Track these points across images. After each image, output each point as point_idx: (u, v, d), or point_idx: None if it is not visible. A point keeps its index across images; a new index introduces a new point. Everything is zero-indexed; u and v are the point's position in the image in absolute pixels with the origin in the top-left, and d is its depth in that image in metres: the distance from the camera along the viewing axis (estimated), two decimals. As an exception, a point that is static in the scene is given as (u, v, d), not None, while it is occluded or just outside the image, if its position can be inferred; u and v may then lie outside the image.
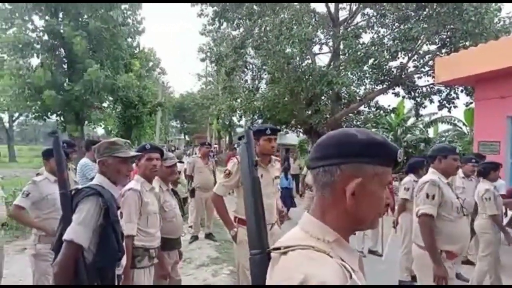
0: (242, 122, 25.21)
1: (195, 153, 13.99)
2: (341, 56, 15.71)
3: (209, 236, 7.65)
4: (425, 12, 13.40)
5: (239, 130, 32.65)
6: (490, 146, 9.16)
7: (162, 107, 23.78)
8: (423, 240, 2.97)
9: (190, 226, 7.69)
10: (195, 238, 7.46)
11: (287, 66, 14.50)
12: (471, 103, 14.29)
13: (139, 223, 2.99)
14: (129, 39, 20.39)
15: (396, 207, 6.04)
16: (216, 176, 7.81)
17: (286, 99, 15.84)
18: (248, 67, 18.27)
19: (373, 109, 16.71)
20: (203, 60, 20.69)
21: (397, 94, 16.13)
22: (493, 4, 12.83)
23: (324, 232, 0.95)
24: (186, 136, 54.40)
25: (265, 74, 17.30)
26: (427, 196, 2.98)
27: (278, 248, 0.94)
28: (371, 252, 6.79)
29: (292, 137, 22.88)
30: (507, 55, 7.98)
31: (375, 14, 14.72)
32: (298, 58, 15.01)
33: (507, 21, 13.00)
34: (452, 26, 13.18)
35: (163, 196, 3.49)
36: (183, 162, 9.98)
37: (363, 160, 0.95)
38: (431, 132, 17.98)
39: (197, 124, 46.86)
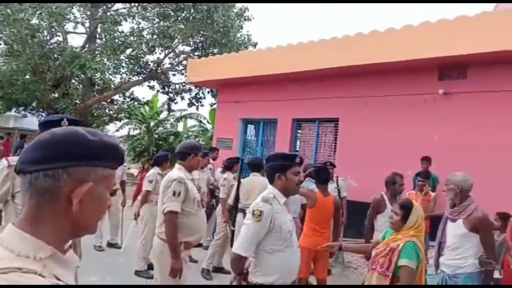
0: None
1: None
2: (97, 40, 14.84)
3: None
4: (183, 14, 14.38)
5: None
6: (225, 142, 10.80)
7: None
8: (166, 235, 3.09)
9: None
10: None
11: (31, 39, 12.50)
12: (215, 104, 16.38)
13: None
14: None
15: (139, 198, 6.19)
16: None
17: (27, 77, 13.61)
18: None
19: (128, 99, 16.66)
20: None
21: (152, 88, 16.69)
22: (238, 21, 15.12)
23: (36, 248, 0.80)
24: None
25: (1, 44, 14.30)
26: (174, 193, 3.12)
27: None
28: (110, 245, 6.68)
29: (31, 121, 19.76)
30: (244, 66, 9.62)
31: (136, 5, 14.66)
32: (46, 33, 13.19)
33: (246, 38, 15.62)
34: (205, 33, 14.69)
35: None
36: None
37: (96, 163, 0.87)
38: (180, 127, 19.46)
39: None
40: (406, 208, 2.64)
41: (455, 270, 3.30)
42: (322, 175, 4.44)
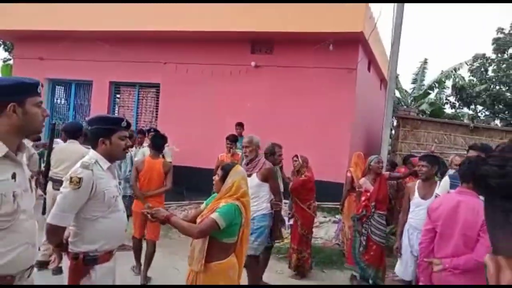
0: None
1: None
2: None
3: None
4: None
5: None
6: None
7: None
8: None
9: None
10: None
11: None
12: (9, 60, 13.72)
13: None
14: None
15: None
16: None
17: None
18: None
19: None
20: None
21: None
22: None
23: None
24: None
25: None
26: None
27: None
28: None
29: None
30: (51, 17, 8.31)
31: None
32: None
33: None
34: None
35: None
36: None
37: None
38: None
39: None
40: (225, 170, 2.70)
41: (253, 214, 3.71)
42: (158, 142, 4.59)
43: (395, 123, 9.87)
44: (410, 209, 3.93)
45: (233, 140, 6.29)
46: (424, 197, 3.83)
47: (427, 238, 2.92)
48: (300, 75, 7.66)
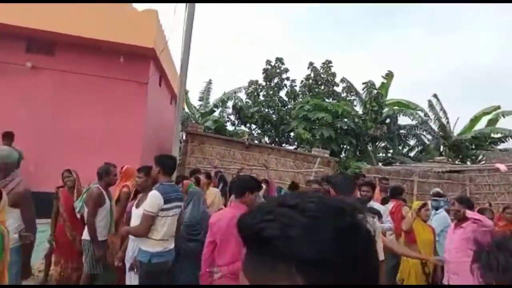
0: None
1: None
2: None
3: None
4: None
5: None
6: None
7: None
8: None
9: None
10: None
11: None
12: None
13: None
14: None
15: None
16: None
17: None
18: None
19: None
20: None
21: None
22: None
23: None
24: None
25: None
26: None
27: None
28: None
29: None
30: None
31: None
32: None
33: None
34: None
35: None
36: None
37: None
38: None
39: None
40: None
41: None
42: None
43: (184, 138, 10.41)
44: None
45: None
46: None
47: (209, 250, 3.21)
48: (85, 82, 7.11)
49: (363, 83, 17.73)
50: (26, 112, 6.82)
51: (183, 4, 5.73)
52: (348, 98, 19.37)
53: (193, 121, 15.39)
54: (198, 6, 5.83)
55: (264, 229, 0.57)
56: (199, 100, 20.05)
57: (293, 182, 7.01)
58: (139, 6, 7.21)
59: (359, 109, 18.33)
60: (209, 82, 20.23)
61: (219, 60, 46.77)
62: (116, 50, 6.87)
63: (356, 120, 16.72)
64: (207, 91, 20.15)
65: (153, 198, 3.37)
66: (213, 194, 5.52)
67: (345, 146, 17.18)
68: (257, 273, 0.59)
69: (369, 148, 17.90)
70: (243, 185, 3.21)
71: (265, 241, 0.57)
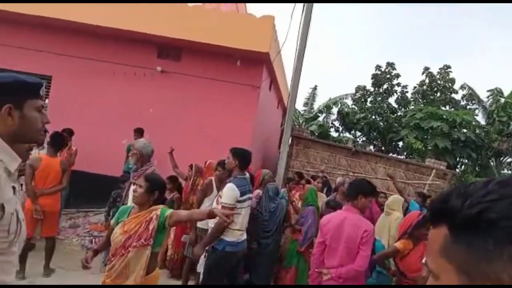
0: None
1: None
2: None
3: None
4: None
5: None
6: None
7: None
8: None
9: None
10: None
11: None
12: None
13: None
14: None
15: None
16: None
17: None
18: None
19: None
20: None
21: None
22: None
23: None
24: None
25: None
26: None
27: None
28: None
29: None
30: None
31: None
32: None
33: None
34: None
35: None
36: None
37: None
38: None
39: None
40: (151, 181, 2.64)
41: None
42: (57, 140, 4.69)
43: (289, 141, 10.58)
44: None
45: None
46: None
47: (319, 250, 3.23)
48: (205, 85, 7.72)
49: (488, 90, 15.91)
50: (155, 110, 7.69)
51: (300, 8, 5.86)
52: (468, 107, 17.54)
53: (297, 126, 15.53)
54: (315, 9, 5.88)
55: (489, 208, 0.53)
56: (304, 106, 20.18)
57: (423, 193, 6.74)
58: (257, 12, 7.58)
59: (481, 119, 16.47)
60: (315, 88, 20.24)
61: (325, 65, 46.46)
62: (233, 55, 7.33)
63: (478, 131, 15.02)
64: (312, 96, 20.19)
65: (231, 191, 3.54)
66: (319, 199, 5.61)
67: (462, 159, 15.57)
68: (476, 261, 0.53)
69: (492, 163, 15.92)
70: (357, 188, 3.16)
71: (490, 222, 0.52)
